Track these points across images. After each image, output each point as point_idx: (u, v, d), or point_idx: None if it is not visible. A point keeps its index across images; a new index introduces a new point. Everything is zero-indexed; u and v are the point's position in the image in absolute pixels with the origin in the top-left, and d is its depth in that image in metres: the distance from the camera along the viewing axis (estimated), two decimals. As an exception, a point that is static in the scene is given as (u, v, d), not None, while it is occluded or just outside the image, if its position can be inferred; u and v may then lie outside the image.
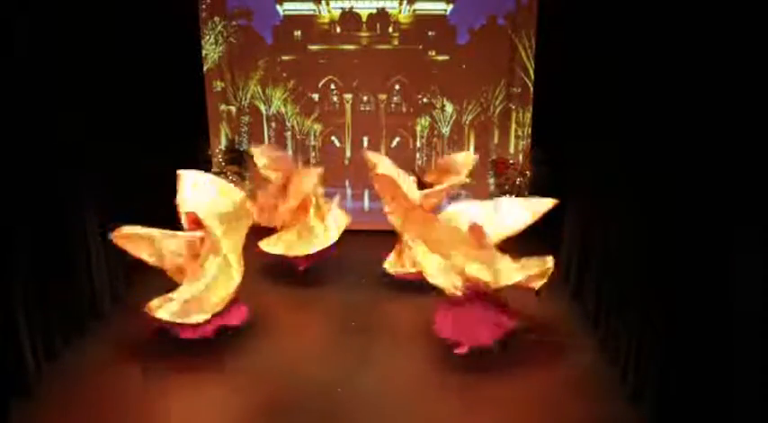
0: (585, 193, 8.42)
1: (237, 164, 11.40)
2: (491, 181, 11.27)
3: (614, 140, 7.41)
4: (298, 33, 11.22)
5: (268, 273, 9.47)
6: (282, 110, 11.52)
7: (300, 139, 11.71)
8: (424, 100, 11.38)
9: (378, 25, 11.14)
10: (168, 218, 7.51)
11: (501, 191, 11.03)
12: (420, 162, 11.68)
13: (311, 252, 8.95)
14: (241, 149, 11.48)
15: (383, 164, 8.89)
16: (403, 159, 11.57)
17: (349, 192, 11.59)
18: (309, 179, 9.24)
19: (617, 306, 7.14)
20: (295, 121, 11.62)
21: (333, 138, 11.70)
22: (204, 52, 11.09)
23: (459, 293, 6.88)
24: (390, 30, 11.13)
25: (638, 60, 6.87)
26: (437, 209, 8.90)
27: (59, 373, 6.88)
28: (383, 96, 11.46)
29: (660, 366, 6.01)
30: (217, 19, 11.02)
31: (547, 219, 7.62)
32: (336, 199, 9.70)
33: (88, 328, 7.71)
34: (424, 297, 7.73)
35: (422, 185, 9.12)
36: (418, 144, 11.62)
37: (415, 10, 11.02)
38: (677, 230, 5.82)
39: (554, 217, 9.59)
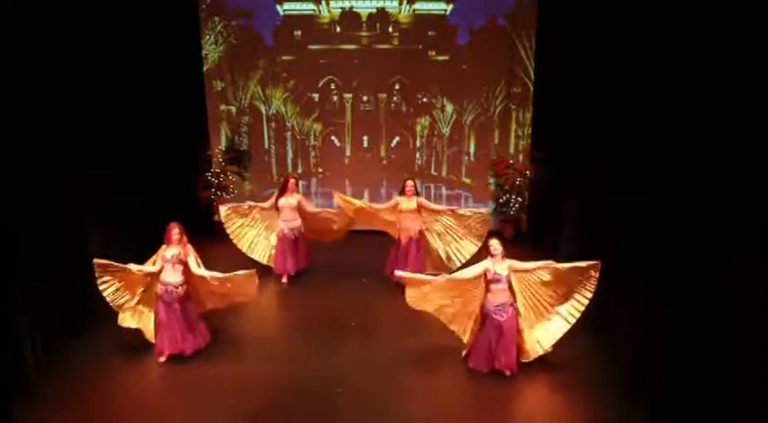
0: (585, 192, 8.42)
1: (237, 164, 11.40)
2: (491, 181, 11.26)
3: (614, 140, 7.41)
4: (298, 33, 11.23)
5: (268, 273, 9.47)
6: (282, 110, 11.53)
7: (300, 139, 11.71)
8: (424, 100, 11.39)
9: (378, 25, 11.14)
10: (166, 216, 7.50)
11: (501, 191, 11.03)
12: (420, 162, 11.69)
13: None
14: (241, 149, 11.47)
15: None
16: (403, 159, 11.64)
17: (349, 191, 11.58)
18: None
19: (617, 306, 7.14)
20: (295, 122, 11.62)
21: (333, 137, 11.71)
22: (204, 52, 11.10)
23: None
24: (390, 29, 11.13)
25: (637, 60, 6.88)
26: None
27: (59, 373, 6.88)
28: (383, 96, 11.46)
29: (660, 366, 6.01)
30: (217, 19, 11.02)
31: (546, 219, 7.61)
32: None
33: (87, 328, 7.70)
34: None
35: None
36: (418, 144, 11.62)
37: (415, 10, 11.03)
38: (677, 230, 5.82)
39: (553, 217, 9.63)
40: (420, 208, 8.98)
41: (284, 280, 9.34)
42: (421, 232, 9.05)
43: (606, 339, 7.26)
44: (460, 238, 9.00)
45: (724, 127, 5.21)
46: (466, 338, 7.07)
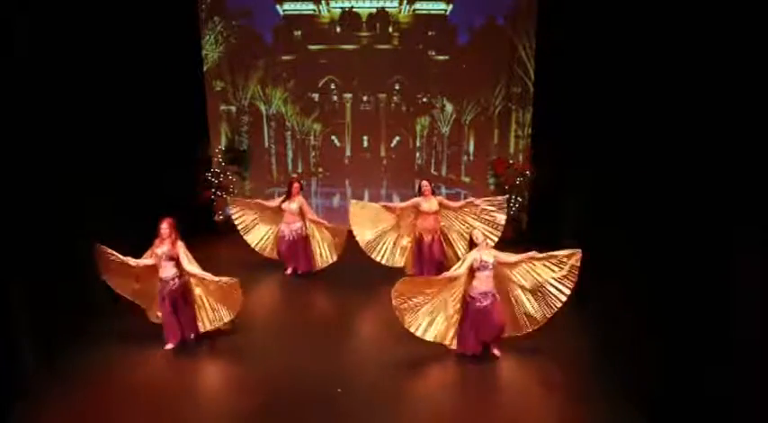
0: (585, 192, 8.43)
1: (237, 164, 11.40)
2: (491, 181, 11.26)
3: (614, 140, 7.42)
4: (298, 33, 11.23)
5: (269, 273, 9.48)
6: (282, 110, 11.54)
7: (300, 139, 11.72)
8: (424, 100, 11.39)
9: (378, 25, 11.15)
10: (167, 216, 7.50)
11: (501, 191, 11.02)
12: (420, 161, 11.71)
13: None
14: (241, 149, 11.48)
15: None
16: (403, 158, 11.65)
17: (349, 191, 11.61)
18: None
19: (617, 305, 7.15)
20: (295, 121, 11.63)
21: (333, 137, 11.72)
22: (204, 52, 11.10)
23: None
24: (390, 30, 11.14)
25: (637, 60, 6.88)
26: None
27: (59, 373, 6.88)
28: (383, 96, 11.47)
29: (659, 366, 6.01)
30: (217, 19, 11.03)
31: (546, 219, 7.61)
32: None
33: (87, 328, 7.70)
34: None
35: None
36: (418, 143, 11.63)
37: (415, 10, 11.04)
38: (677, 230, 5.83)
39: (553, 217, 9.63)
40: (441, 207, 9.06)
41: (288, 271, 9.48)
42: (442, 231, 9.15)
43: (605, 339, 7.26)
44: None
45: (724, 127, 5.22)
46: (450, 340, 7.17)
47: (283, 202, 9.38)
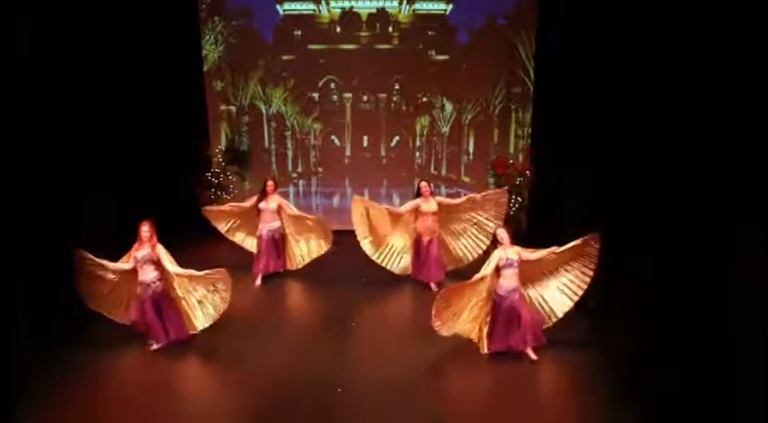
0: (585, 192, 8.43)
1: (237, 164, 11.40)
2: (491, 181, 11.26)
3: (614, 140, 7.42)
4: (298, 33, 11.23)
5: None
6: (282, 109, 11.54)
7: (300, 139, 11.72)
8: (424, 99, 11.39)
9: (378, 25, 11.14)
10: (167, 217, 7.51)
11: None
12: (420, 161, 11.70)
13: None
14: (241, 149, 11.48)
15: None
16: (403, 158, 11.65)
17: (349, 191, 11.61)
18: None
19: (617, 305, 7.15)
20: (295, 121, 11.63)
21: (332, 137, 11.72)
22: (204, 52, 11.09)
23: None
24: (390, 29, 11.14)
25: (638, 59, 6.88)
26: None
27: (59, 373, 6.88)
28: (383, 96, 11.47)
29: (659, 368, 6.02)
30: (217, 19, 11.02)
31: (546, 219, 7.62)
32: None
33: (86, 328, 7.70)
34: (421, 294, 7.71)
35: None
36: (418, 143, 11.63)
37: (414, 10, 11.04)
38: (678, 230, 5.83)
39: (553, 217, 9.63)
40: (440, 207, 8.97)
41: (258, 282, 9.22)
42: (440, 231, 9.11)
43: (605, 341, 7.27)
44: (475, 226, 9.03)
45: (725, 126, 5.22)
46: (482, 342, 7.19)
47: (259, 201, 9.22)
